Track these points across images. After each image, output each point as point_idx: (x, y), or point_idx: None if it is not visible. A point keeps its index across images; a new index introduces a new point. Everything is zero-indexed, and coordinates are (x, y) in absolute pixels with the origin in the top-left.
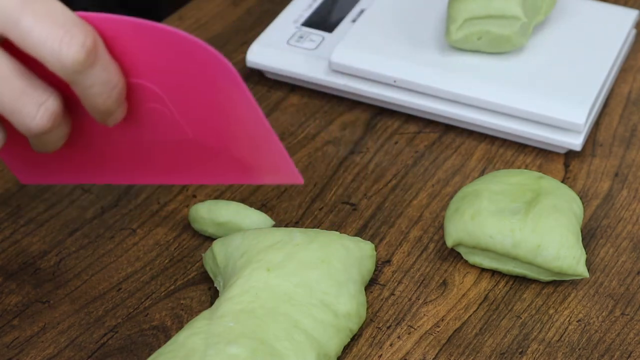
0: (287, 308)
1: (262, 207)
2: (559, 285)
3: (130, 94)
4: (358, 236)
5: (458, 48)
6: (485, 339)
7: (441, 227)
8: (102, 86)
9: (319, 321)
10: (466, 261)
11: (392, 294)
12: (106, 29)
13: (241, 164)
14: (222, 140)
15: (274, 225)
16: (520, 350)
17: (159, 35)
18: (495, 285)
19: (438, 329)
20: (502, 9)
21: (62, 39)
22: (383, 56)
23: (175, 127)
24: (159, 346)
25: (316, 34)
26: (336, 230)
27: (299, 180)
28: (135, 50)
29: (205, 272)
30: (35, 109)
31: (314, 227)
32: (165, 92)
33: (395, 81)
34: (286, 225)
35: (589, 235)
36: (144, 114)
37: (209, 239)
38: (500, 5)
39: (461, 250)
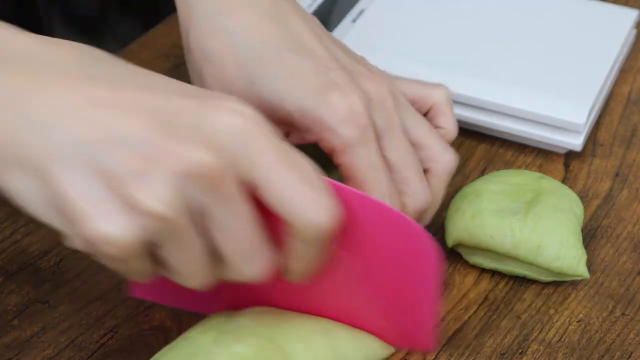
0: (327, 322)
1: None
2: (559, 285)
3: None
4: None
5: None
6: (486, 339)
7: (441, 227)
8: (319, 256)
9: (358, 339)
10: (466, 261)
11: None
12: (342, 199)
13: (380, 320)
14: (379, 314)
15: None
16: (521, 350)
17: (373, 208)
18: (495, 286)
19: (438, 329)
20: None
21: (317, 205)
22: (383, 56)
23: (342, 297)
24: (159, 346)
25: None
26: None
27: (430, 348)
28: (347, 221)
29: None
30: (258, 264)
31: None
32: (355, 261)
33: None
34: None
35: (589, 236)
36: (320, 278)
37: None
38: None
39: (461, 250)
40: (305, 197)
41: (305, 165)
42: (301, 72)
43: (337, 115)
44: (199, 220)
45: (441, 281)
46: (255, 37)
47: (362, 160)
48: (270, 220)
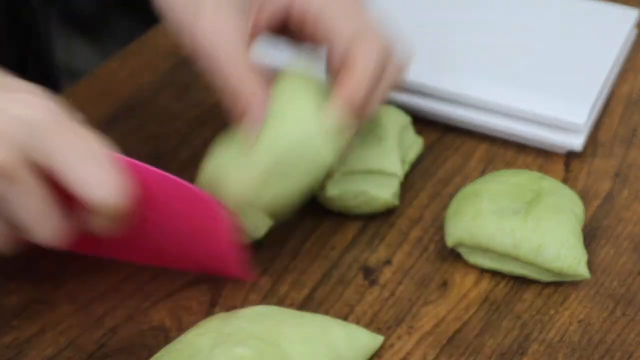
0: (320, 318)
1: None
2: (559, 285)
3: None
4: (358, 237)
5: (331, 205)
6: (486, 339)
7: (441, 227)
8: (115, 224)
9: (351, 335)
10: (466, 261)
11: (392, 294)
12: (133, 173)
13: (202, 262)
14: (190, 247)
15: (271, 226)
16: (521, 350)
17: (172, 185)
18: (495, 286)
19: (438, 330)
20: (382, 164)
21: (102, 184)
22: None
23: (154, 239)
24: (159, 347)
25: None
26: (336, 230)
27: (250, 277)
28: (152, 191)
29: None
30: (49, 230)
31: (313, 227)
32: (157, 217)
33: None
34: (286, 225)
35: (590, 236)
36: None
37: None
38: (380, 161)
39: (461, 250)
40: (93, 179)
41: (95, 146)
42: None
43: None
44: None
45: (234, 229)
46: None
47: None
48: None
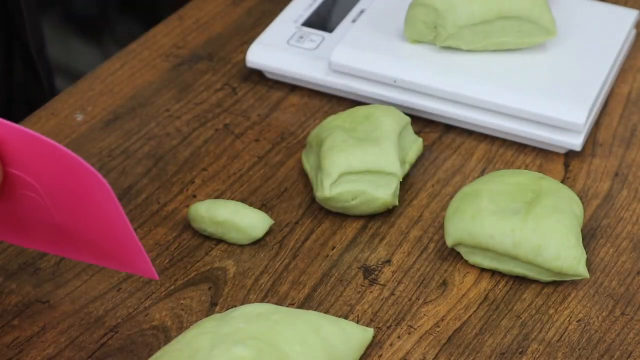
0: (313, 315)
1: (262, 206)
2: (558, 285)
3: (7, 180)
4: (358, 237)
5: (330, 205)
6: (485, 338)
7: (441, 227)
8: None
9: (345, 331)
10: (466, 261)
11: (392, 294)
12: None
13: (102, 252)
14: (86, 233)
15: (273, 225)
16: (520, 350)
17: (40, 144)
18: (495, 285)
19: (438, 329)
20: (381, 164)
21: None
22: (383, 56)
23: (44, 212)
24: (159, 346)
25: (316, 34)
26: (336, 230)
27: (154, 276)
28: (17, 149)
29: (205, 272)
30: None
31: (313, 228)
32: (40, 185)
33: (395, 81)
34: (286, 225)
35: (589, 236)
36: (17, 198)
37: (209, 239)
38: (379, 160)
39: (461, 250)
40: None
41: None
42: None
43: None
44: None
45: (120, 212)
46: None
47: None
48: None
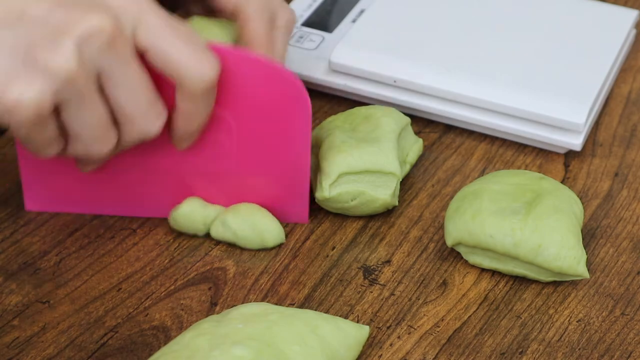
0: (309, 314)
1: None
2: (559, 285)
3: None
4: (358, 237)
5: (330, 206)
6: (485, 339)
7: (441, 227)
8: (205, 111)
9: (341, 329)
10: (466, 261)
11: (392, 294)
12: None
13: (262, 195)
14: (259, 175)
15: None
16: (520, 350)
17: (250, 63)
18: (495, 285)
19: (438, 329)
20: (380, 164)
21: (201, 61)
22: (383, 56)
23: (225, 160)
24: (159, 346)
25: (316, 34)
26: (336, 230)
27: (305, 220)
28: (228, 80)
29: (206, 272)
30: (156, 118)
31: (313, 228)
32: (236, 121)
33: (395, 81)
34: (286, 225)
35: (589, 235)
36: (204, 145)
37: (209, 239)
38: (378, 160)
39: (461, 250)
40: (189, 56)
41: (189, 30)
42: None
43: None
44: (101, 83)
45: (309, 135)
46: None
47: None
48: (157, 85)
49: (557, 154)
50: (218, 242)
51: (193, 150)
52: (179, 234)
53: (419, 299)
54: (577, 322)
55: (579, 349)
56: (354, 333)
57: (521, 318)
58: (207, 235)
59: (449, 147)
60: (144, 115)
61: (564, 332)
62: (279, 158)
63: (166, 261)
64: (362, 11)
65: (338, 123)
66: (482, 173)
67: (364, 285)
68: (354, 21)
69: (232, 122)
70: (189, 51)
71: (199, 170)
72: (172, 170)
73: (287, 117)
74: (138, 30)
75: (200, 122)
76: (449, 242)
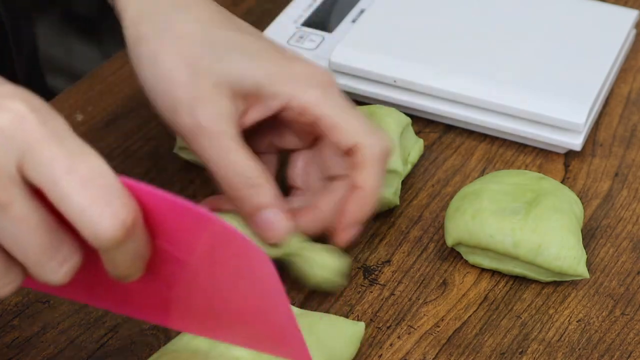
0: (304, 313)
1: None
2: (559, 285)
3: (154, 254)
4: (358, 237)
5: None
6: (485, 338)
7: (441, 227)
8: (129, 258)
9: (336, 327)
10: (466, 261)
11: (392, 294)
12: (145, 200)
13: (251, 335)
14: (237, 312)
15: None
16: (520, 350)
17: (197, 217)
18: (495, 285)
19: (438, 329)
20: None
21: (102, 213)
22: (383, 56)
23: (192, 288)
24: (159, 346)
25: (316, 34)
26: None
27: (308, 357)
28: (169, 222)
29: None
30: (58, 267)
31: None
32: (190, 260)
33: (395, 81)
34: None
35: (589, 235)
36: (161, 273)
37: None
38: None
39: (461, 250)
40: (88, 205)
41: (95, 165)
42: (263, 49)
43: (304, 75)
44: None
45: (283, 291)
46: (215, 22)
47: (334, 103)
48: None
49: (557, 154)
50: None
51: (151, 275)
52: None
53: (419, 299)
54: (577, 322)
55: (579, 349)
56: (350, 330)
57: (521, 318)
58: None
59: (449, 147)
60: (38, 264)
61: (564, 332)
62: (248, 300)
63: None
64: (362, 11)
65: None
66: (482, 173)
67: (364, 285)
68: (354, 21)
69: (181, 259)
70: (87, 195)
71: (177, 296)
72: (156, 294)
73: (245, 275)
74: (25, 164)
75: (129, 267)
76: (449, 242)
